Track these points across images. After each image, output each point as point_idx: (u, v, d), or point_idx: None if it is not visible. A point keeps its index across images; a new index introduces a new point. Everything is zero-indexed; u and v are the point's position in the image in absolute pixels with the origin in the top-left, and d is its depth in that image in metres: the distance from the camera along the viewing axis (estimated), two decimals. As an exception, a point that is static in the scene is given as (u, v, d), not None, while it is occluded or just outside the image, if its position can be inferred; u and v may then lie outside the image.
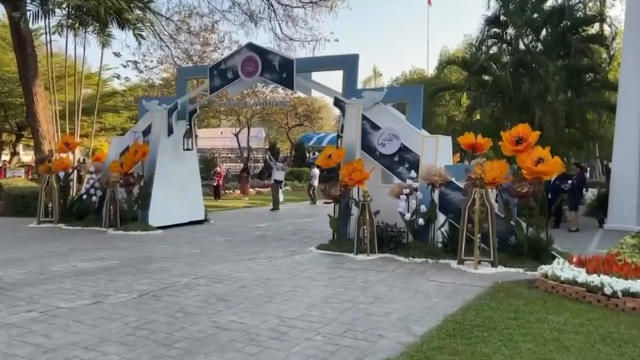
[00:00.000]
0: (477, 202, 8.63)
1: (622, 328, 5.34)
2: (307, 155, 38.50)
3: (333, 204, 10.61)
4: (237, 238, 12.14)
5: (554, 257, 8.83)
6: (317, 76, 12.24)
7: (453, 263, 8.95)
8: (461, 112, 28.04)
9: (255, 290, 7.15)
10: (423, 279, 7.90)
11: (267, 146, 43.26)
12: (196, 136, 15.06)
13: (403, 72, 39.64)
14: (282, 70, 12.00)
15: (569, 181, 13.56)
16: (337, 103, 11.32)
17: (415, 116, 10.71)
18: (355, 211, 10.14)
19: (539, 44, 14.88)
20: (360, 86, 11.87)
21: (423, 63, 72.68)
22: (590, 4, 17.64)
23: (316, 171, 22.09)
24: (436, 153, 10.00)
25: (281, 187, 21.13)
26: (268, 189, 23.09)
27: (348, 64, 11.34)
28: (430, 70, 36.81)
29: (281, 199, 20.74)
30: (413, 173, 9.85)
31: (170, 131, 13.82)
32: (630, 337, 5.04)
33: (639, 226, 12.86)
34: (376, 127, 10.65)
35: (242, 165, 30.86)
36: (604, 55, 16.05)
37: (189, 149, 14.32)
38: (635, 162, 13.26)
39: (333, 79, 12.17)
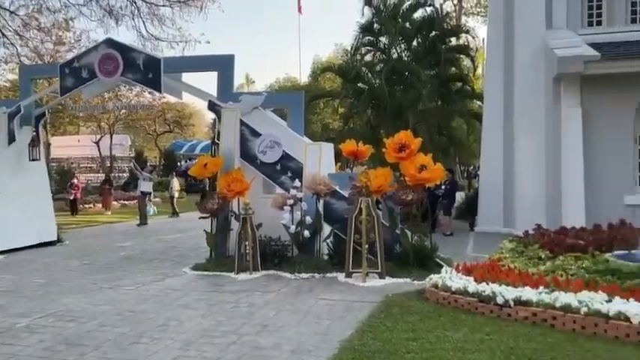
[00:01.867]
0: (363, 211, 8.25)
1: (521, 341, 5.14)
2: (179, 164, 36.43)
3: (209, 218, 9.62)
4: (96, 261, 10.57)
5: (438, 265, 8.78)
6: (189, 78, 11.17)
7: (340, 276, 8.48)
8: (336, 120, 28.33)
9: (118, 328, 5.98)
10: (312, 297, 7.28)
11: (132, 155, 40.30)
12: (49, 144, 13.08)
13: (277, 79, 39.30)
14: (148, 70, 10.73)
15: (443, 187, 13.92)
16: (212, 107, 10.35)
17: (296, 122, 10.13)
18: (235, 225, 9.26)
19: (411, 53, 15.24)
20: (233, 92, 10.99)
21: (295, 71, 73.40)
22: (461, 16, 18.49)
23: (175, 181, 20.88)
24: (319, 161, 9.51)
25: (150, 199, 19.43)
26: (134, 201, 21.13)
27: (222, 65, 10.44)
28: (303, 78, 36.94)
29: (150, 213, 19.06)
30: (297, 182, 9.24)
31: (11, 139, 11.79)
32: (532, 352, 4.83)
33: (506, 228, 13.56)
34: (256, 134, 9.89)
35: (104, 176, 28.14)
36: (470, 65, 17.00)
37: (35, 159, 12.33)
38: (501, 168, 13.99)
39: (207, 82, 11.14)
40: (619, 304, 5.34)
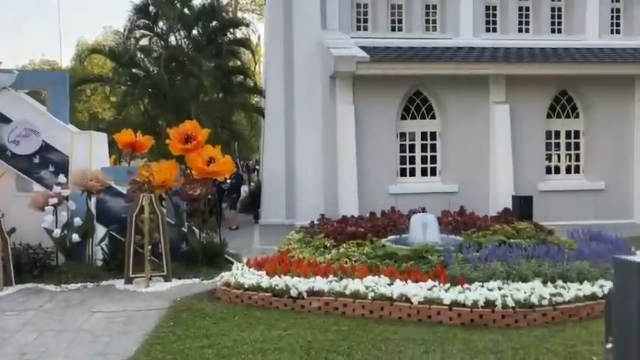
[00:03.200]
0: (145, 209, 7.43)
1: (317, 334, 5.11)
2: None
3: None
4: None
5: (228, 261, 8.45)
6: None
7: (119, 283, 7.53)
8: (106, 109, 25.80)
9: None
10: (85, 311, 6.24)
11: None
12: None
13: (31, 60, 34.09)
14: None
15: (228, 181, 13.65)
16: (-58, 84, 8.21)
17: (59, 107, 8.64)
18: (-23, 231, 7.48)
19: (191, 41, 14.55)
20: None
21: (55, 54, 64.95)
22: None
23: None
24: (90, 153, 8.29)
25: None
26: None
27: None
28: (66, 62, 32.81)
29: None
30: (61, 178, 7.88)
31: None
32: (329, 344, 4.82)
33: (289, 219, 13.95)
34: (6, 120, 8.14)
35: None
36: (251, 59, 17.04)
37: None
38: (283, 162, 14.32)
39: None
40: (400, 287, 5.72)
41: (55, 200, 7.68)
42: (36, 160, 8.20)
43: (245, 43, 15.56)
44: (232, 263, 8.19)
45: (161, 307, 6.30)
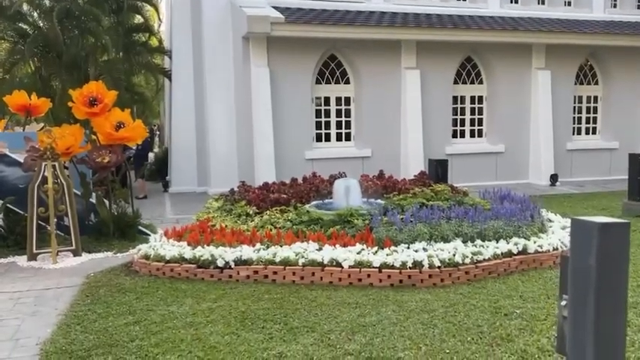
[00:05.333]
0: (49, 178, 6.77)
1: (250, 303, 5.00)
2: None
3: None
4: None
5: (142, 232, 8.03)
6: None
7: (21, 260, 6.90)
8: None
9: None
10: (-16, 294, 5.63)
11: None
12: None
13: None
14: None
15: (134, 147, 12.85)
16: None
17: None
18: None
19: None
20: None
21: None
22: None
23: None
24: (-22, 117, 7.35)
25: None
26: None
27: None
28: None
29: None
30: (-56, 146, 6.95)
31: None
32: (265, 313, 4.73)
33: (201, 187, 13.50)
34: None
35: None
36: (155, 16, 15.92)
37: None
38: (193, 127, 13.73)
39: None
40: (329, 252, 5.72)
41: (-64, 171, 6.76)
42: None
43: (148, -1, 14.46)
44: (148, 235, 7.80)
45: (74, 284, 5.85)
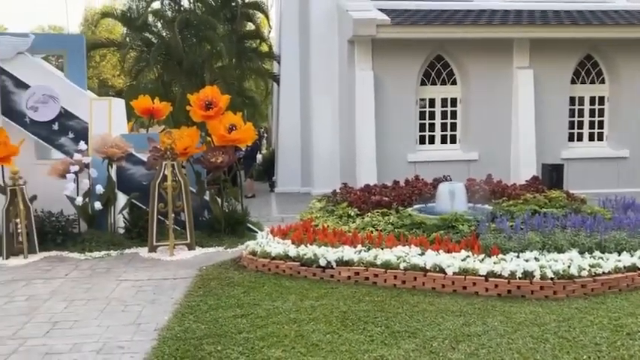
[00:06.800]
0: (168, 177, 7.31)
1: (351, 304, 5.03)
2: None
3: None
4: None
5: (250, 230, 8.39)
6: None
7: (143, 251, 7.49)
8: (115, 76, 25.51)
9: None
10: (112, 280, 6.20)
11: None
12: None
13: (40, 26, 33.64)
14: None
15: (243, 148, 13.48)
16: (-43, 49, 8.00)
17: (77, 72, 8.45)
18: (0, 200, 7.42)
19: (204, 5, 14.15)
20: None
21: (61, 21, 63.79)
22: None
23: None
24: (109, 119, 8.14)
25: None
26: None
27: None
28: (72, 28, 32.33)
29: None
30: (82, 145, 7.75)
31: None
32: (365, 315, 4.74)
33: (304, 187, 13.85)
34: (23, 86, 7.97)
35: None
36: (265, 23, 16.65)
37: None
38: (298, 129, 14.12)
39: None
40: (432, 257, 5.59)
41: (76, 167, 7.57)
42: (55, 127, 8.06)
43: (259, 6, 15.14)
44: (255, 232, 8.14)
45: (188, 276, 6.25)
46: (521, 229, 5.87)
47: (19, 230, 7.21)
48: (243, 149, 13.35)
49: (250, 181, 13.83)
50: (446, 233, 6.29)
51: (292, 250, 6.29)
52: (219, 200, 8.26)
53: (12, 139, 7.42)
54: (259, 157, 17.79)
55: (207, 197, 8.25)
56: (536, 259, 5.34)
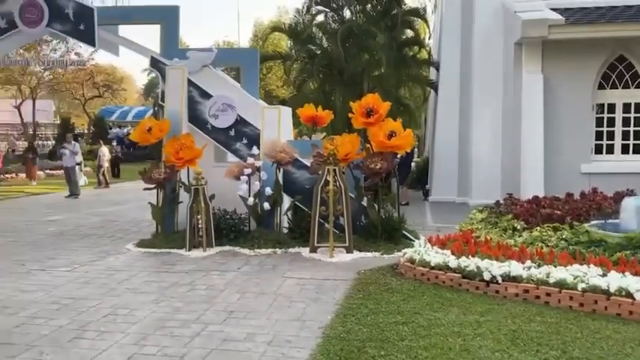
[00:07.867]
0: (330, 181, 7.57)
1: (521, 323, 4.70)
2: (109, 131, 33.97)
3: (155, 190, 8.61)
4: (22, 239, 9.30)
5: (405, 237, 8.32)
6: (126, 32, 9.90)
7: (304, 251, 7.84)
8: (280, 87, 27.24)
9: (56, 320, 5.03)
10: (278, 276, 6.58)
11: (57, 121, 37.31)
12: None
13: (216, 42, 37.33)
14: (79, 21, 9.37)
15: (399, 155, 13.45)
16: (155, 64, 9.20)
17: (251, 83, 9.21)
18: (184, 197, 8.33)
19: (364, 14, 14.48)
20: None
21: (233, 36, 70.24)
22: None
23: (104, 150, 19.19)
24: (279, 126, 8.68)
25: (80, 169, 17.82)
26: (61, 171, 19.29)
27: (166, 17, 9.27)
28: (243, 43, 35.30)
29: (81, 183, 17.49)
30: (255, 150, 8.39)
31: None
32: (538, 336, 4.39)
33: (460, 197, 13.38)
34: (206, 96, 8.88)
35: (27, 143, 25.73)
36: (425, 29, 16.53)
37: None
38: (456, 136, 13.72)
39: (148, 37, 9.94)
40: (617, 279, 5.01)
41: (249, 170, 8.21)
42: (232, 133, 8.83)
43: (419, 12, 15.04)
44: (411, 240, 8.06)
45: (347, 278, 6.38)
46: None
47: (200, 226, 8.00)
48: (398, 156, 13.39)
49: (405, 188, 13.74)
50: (633, 254, 5.59)
51: (453, 261, 6.08)
52: (375, 206, 8.32)
53: (196, 144, 8.30)
54: (412, 165, 17.60)
55: (364, 203, 8.36)
56: None
